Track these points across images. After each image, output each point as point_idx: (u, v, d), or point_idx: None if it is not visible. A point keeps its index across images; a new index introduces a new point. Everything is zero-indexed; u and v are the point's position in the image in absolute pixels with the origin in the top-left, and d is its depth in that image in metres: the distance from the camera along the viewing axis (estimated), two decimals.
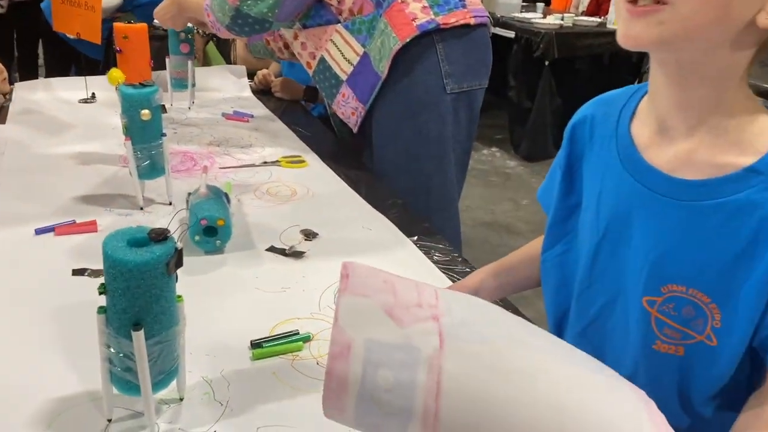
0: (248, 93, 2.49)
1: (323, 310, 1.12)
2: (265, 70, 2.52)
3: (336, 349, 0.61)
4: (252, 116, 2.19)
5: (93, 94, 2.30)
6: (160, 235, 0.76)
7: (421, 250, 1.35)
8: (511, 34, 4.76)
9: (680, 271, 0.79)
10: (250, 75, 2.57)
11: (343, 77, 1.76)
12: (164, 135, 1.44)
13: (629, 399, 0.65)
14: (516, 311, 1.10)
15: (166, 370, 0.80)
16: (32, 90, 2.30)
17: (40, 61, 4.31)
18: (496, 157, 5.00)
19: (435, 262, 1.30)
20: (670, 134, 0.80)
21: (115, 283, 0.76)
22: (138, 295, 0.75)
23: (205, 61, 2.84)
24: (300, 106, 2.41)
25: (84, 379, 0.92)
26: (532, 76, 4.70)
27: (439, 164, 1.71)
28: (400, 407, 0.60)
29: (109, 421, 0.86)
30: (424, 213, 1.60)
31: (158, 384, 0.81)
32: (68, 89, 2.32)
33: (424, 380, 0.60)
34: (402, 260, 1.31)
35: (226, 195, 1.40)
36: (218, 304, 1.13)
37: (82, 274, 1.20)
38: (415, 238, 1.40)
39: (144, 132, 1.41)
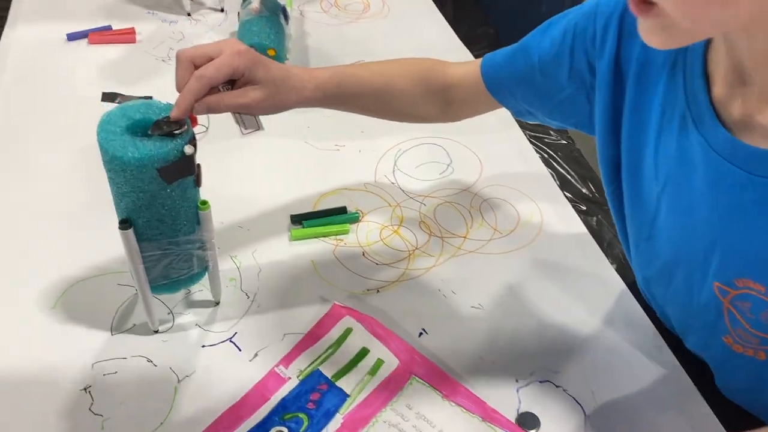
0: None
1: (379, 182, 0.95)
2: None
3: None
4: None
5: None
6: (164, 129, 0.58)
7: None
8: None
9: (756, 265, 0.57)
10: None
11: None
12: None
13: None
14: None
15: (171, 277, 0.67)
16: None
17: None
18: None
19: None
20: (748, 84, 0.54)
21: (107, 168, 0.60)
22: (125, 193, 0.60)
23: None
24: None
25: (105, 240, 0.81)
26: None
27: None
28: None
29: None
30: None
31: (160, 287, 0.69)
32: None
33: None
34: None
35: (284, 10, 1.17)
36: (259, 159, 0.97)
37: (113, 101, 1.05)
38: None
39: None
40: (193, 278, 0.70)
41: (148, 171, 0.57)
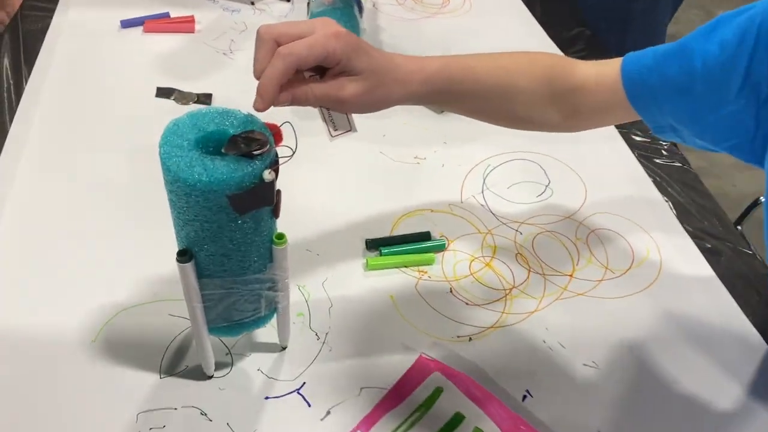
0: None
1: (467, 202, 0.83)
2: None
3: None
4: None
5: None
6: (242, 147, 0.46)
7: None
8: None
9: None
10: None
11: None
12: None
13: None
14: None
15: (233, 320, 0.56)
16: None
17: None
18: None
19: None
20: None
21: (168, 188, 0.49)
22: (187, 220, 0.49)
23: None
24: None
25: (159, 261, 0.71)
26: None
27: None
28: None
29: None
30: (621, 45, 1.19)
31: (219, 329, 0.57)
32: None
33: None
34: None
35: (359, 1, 1.05)
36: (330, 175, 0.85)
37: (168, 97, 0.94)
38: None
39: None
40: (259, 321, 0.58)
41: (216, 198, 0.46)
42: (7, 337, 0.63)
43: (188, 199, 0.47)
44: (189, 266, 0.51)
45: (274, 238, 0.52)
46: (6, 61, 0.98)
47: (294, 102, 0.52)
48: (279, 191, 0.50)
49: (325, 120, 0.56)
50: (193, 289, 0.53)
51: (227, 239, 0.49)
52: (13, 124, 0.87)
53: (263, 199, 0.48)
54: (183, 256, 0.51)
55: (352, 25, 0.99)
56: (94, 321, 0.65)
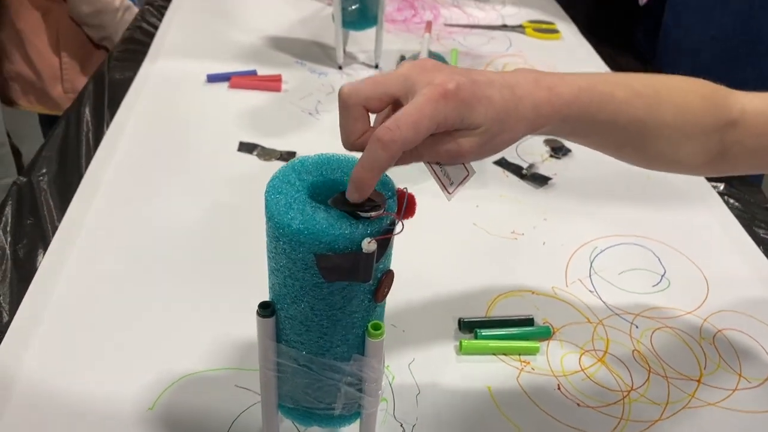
0: None
1: (573, 287, 0.73)
2: None
3: None
4: None
5: None
6: (348, 204, 0.39)
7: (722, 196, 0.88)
8: None
9: None
10: None
11: None
12: None
13: None
14: None
15: (301, 404, 0.47)
16: None
17: None
18: None
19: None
20: None
21: (266, 225, 0.42)
22: (273, 269, 0.42)
23: None
24: None
25: (228, 324, 0.63)
26: None
27: None
28: None
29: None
30: None
31: (288, 410, 0.48)
32: None
33: None
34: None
35: None
36: (419, 243, 0.77)
37: (250, 152, 0.89)
38: (722, 187, 0.93)
39: None
40: (332, 420, 0.48)
41: (303, 252, 0.39)
42: (56, 397, 0.56)
43: (276, 244, 0.40)
44: (269, 322, 0.44)
45: (369, 326, 0.43)
46: (88, 107, 0.96)
47: (398, 164, 0.44)
48: (390, 272, 0.42)
49: (436, 175, 0.48)
50: (270, 350, 0.45)
51: (308, 306, 0.41)
52: (88, 170, 0.83)
53: (356, 271, 0.39)
54: (265, 309, 0.43)
55: None
56: (154, 386, 0.58)
